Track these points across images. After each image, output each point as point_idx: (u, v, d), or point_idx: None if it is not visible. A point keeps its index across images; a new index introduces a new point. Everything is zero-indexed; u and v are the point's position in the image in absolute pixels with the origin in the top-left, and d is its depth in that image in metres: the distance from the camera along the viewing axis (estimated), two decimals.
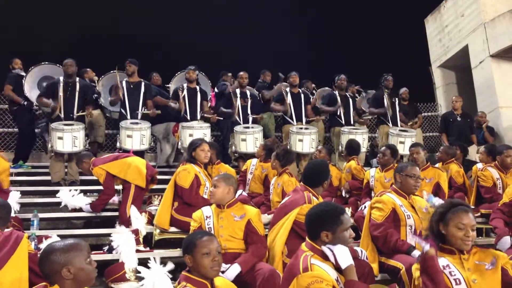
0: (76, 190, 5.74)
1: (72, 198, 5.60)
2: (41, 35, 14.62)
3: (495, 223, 4.41)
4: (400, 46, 15.51)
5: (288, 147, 7.28)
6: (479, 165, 6.46)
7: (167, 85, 9.22)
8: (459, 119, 8.76)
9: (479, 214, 5.55)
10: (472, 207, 5.10)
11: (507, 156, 5.76)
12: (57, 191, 6.55)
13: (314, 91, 9.89)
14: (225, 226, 3.86)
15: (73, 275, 2.34)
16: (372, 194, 5.70)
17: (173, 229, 4.88)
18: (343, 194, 6.29)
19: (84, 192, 6.62)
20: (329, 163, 6.28)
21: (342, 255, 2.60)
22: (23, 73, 8.03)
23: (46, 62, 8.20)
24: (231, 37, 16.30)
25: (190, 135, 7.13)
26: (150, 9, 16.80)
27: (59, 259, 2.34)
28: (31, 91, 7.92)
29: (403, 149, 7.37)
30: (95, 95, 7.86)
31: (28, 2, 15.00)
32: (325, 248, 2.64)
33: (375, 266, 3.74)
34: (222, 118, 7.99)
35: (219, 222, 3.88)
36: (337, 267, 2.65)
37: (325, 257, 2.66)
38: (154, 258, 3.60)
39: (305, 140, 7.55)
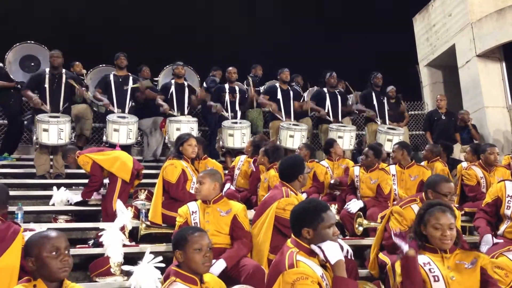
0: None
1: (65, 193, 5.59)
2: (30, 29, 14.45)
3: (477, 223, 4.44)
4: (388, 44, 15.58)
5: (278, 142, 7.30)
6: (464, 164, 6.54)
7: (155, 78, 9.20)
8: (443, 117, 8.84)
9: (463, 212, 5.62)
10: (456, 205, 5.15)
11: (491, 154, 5.84)
12: (42, 184, 6.55)
13: (303, 88, 9.90)
14: (211, 221, 3.86)
15: (35, 268, 2.32)
16: (357, 193, 5.75)
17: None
18: (332, 181, 6.31)
19: (70, 185, 6.60)
20: (310, 160, 6.34)
21: (331, 250, 2.60)
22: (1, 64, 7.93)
23: (17, 44, 8.06)
24: (222, 31, 16.28)
25: (177, 129, 7.13)
26: (143, 3, 16.69)
27: (26, 251, 2.37)
28: (14, 72, 7.83)
29: (391, 147, 7.41)
30: (83, 88, 7.80)
31: None
32: (314, 247, 2.65)
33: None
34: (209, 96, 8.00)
35: (205, 217, 3.88)
36: (322, 264, 2.67)
37: (310, 254, 2.66)
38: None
39: (296, 136, 7.56)
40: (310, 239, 2.66)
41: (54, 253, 2.33)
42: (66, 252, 2.38)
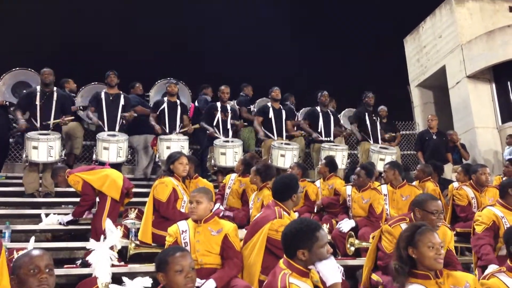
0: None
1: (54, 217, 5.50)
2: (22, 46, 14.47)
3: (486, 250, 4.29)
4: (380, 65, 15.75)
5: (269, 162, 7.27)
6: (455, 184, 6.55)
7: (146, 93, 9.20)
8: (434, 137, 8.89)
9: (454, 232, 5.59)
10: (448, 225, 5.13)
11: (482, 174, 5.83)
12: (31, 203, 6.45)
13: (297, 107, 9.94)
14: (202, 240, 3.79)
15: (17, 286, 2.34)
16: (350, 213, 5.72)
17: None
18: (314, 210, 6.29)
19: (59, 204, 6.51)
20: (302, 179, 6.30)
21: (329, 270, 2.57)
22: None
23: (18, 68, 8.09)
24: (215, 49, 16.43)
25: (168, 148, 7.10)
26: (134, 22, 16.81)
27: (12, 270, 2.39)
28: (3, 92, 7.80)
29: (383, 166, 7.40)
30: (81, 107, 7.81)
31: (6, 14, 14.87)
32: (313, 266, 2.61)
33: None
34: (198, 126, 7.98)
35: (196, 237, 3.81)
36: (315, 286, 2.63)
37: (303, 275, 2.63)
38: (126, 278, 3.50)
39: (287, 156, 7.54)
40: (305, 260, 2.63)
41: (33, 271, 2.33)
42: (47, 270, 2.37)
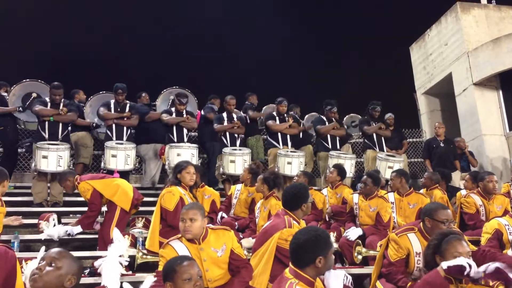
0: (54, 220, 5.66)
1: (61, 228, 5.50)
2: (27, 59, 14.64)
3: (503, 256, 4.34)
4: (386, 73, 15.76)
5: (276, 169, 7.28)
6: (463, 192, 6.52)
7: (153, 103, 9.26)
8: (442, 145, 8.87)
9: None
10: None
11: (489, 182, 5.82)
12: (39, 213, 6.49)
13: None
14: (210, 268, 3.53)
15: None
16: (357, 221, 5.70)
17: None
18: (326, 218, 6.28)
19: (67, 213, 6.55)
20: (310, 187, 6.29)
21: (333, 282, 2.57)
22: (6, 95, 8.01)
23: (27, 80, 8.18)
24: (222, 59, 16.54)
25: (178, 155, 7.17)
26: (138, 30, 16.98)
27: None
28: (14, 103, 7.90)
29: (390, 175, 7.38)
30: (93, 124, 7.89)
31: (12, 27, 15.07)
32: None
33: None
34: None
35: (204, 266, 3.47)
36: None
37: (309, 284, 2.63)
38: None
39: (293, 163, 7.57)
40: (321, 267, 2.63)
41: None
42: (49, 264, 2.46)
